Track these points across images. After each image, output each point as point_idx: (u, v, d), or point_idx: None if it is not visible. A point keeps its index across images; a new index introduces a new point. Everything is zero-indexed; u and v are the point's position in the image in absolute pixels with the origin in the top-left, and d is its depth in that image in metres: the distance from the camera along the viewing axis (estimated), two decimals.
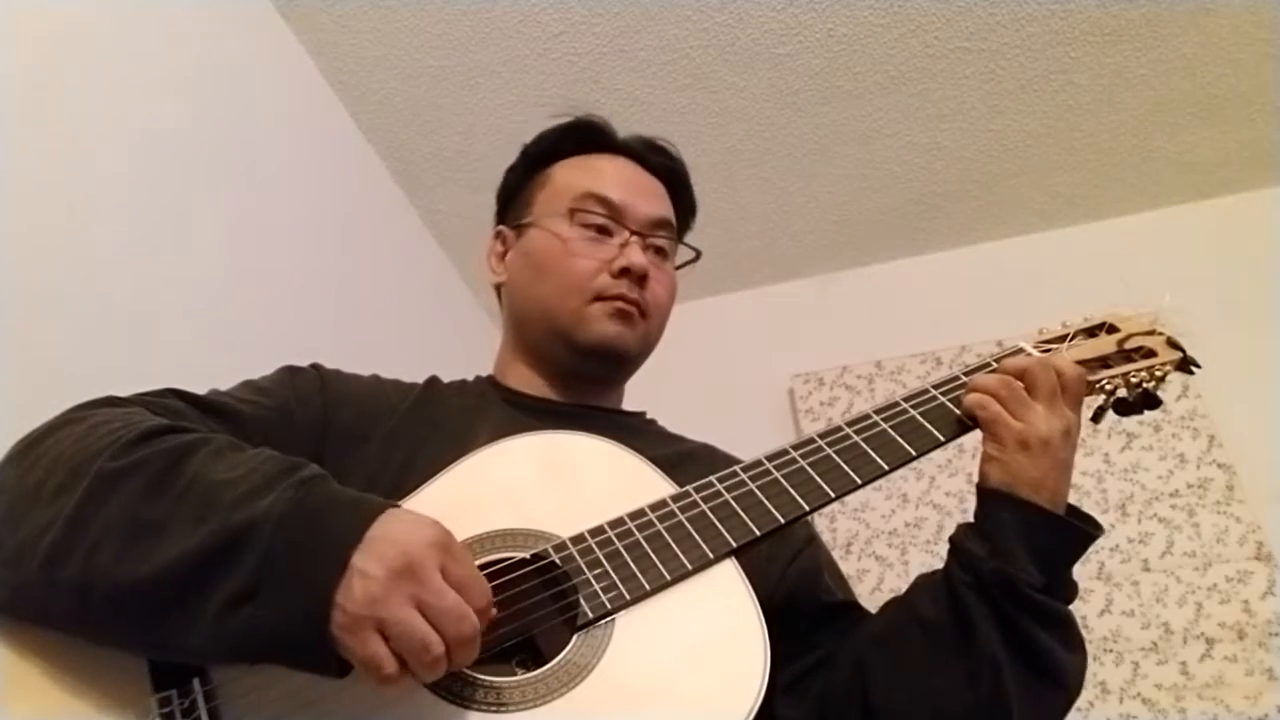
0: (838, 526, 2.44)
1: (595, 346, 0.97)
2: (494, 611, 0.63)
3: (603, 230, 1.00)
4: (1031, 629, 0.74)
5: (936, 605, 0.78)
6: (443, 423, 0.92)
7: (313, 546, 0.58)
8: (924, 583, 0.82)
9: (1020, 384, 0.80)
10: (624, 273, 0.97)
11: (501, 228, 1.10)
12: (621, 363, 1.01)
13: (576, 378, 1.01)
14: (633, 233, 0.99)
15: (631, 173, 1.05)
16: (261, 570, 0.57)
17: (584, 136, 1.07)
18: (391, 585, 0.56)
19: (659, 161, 1.08)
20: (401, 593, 0.56)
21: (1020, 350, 0.88)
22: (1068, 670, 0.76)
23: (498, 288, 1.09)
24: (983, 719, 0.74)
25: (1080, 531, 0.78)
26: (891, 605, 0.85)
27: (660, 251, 1.03)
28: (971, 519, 0.81)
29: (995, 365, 0.85)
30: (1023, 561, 0.75)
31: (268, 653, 0.58)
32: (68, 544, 0.60)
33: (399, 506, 0.63)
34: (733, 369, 2.74)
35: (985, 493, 0.79)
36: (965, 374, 0.86)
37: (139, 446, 0.64)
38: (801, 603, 0.90)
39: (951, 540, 0.80)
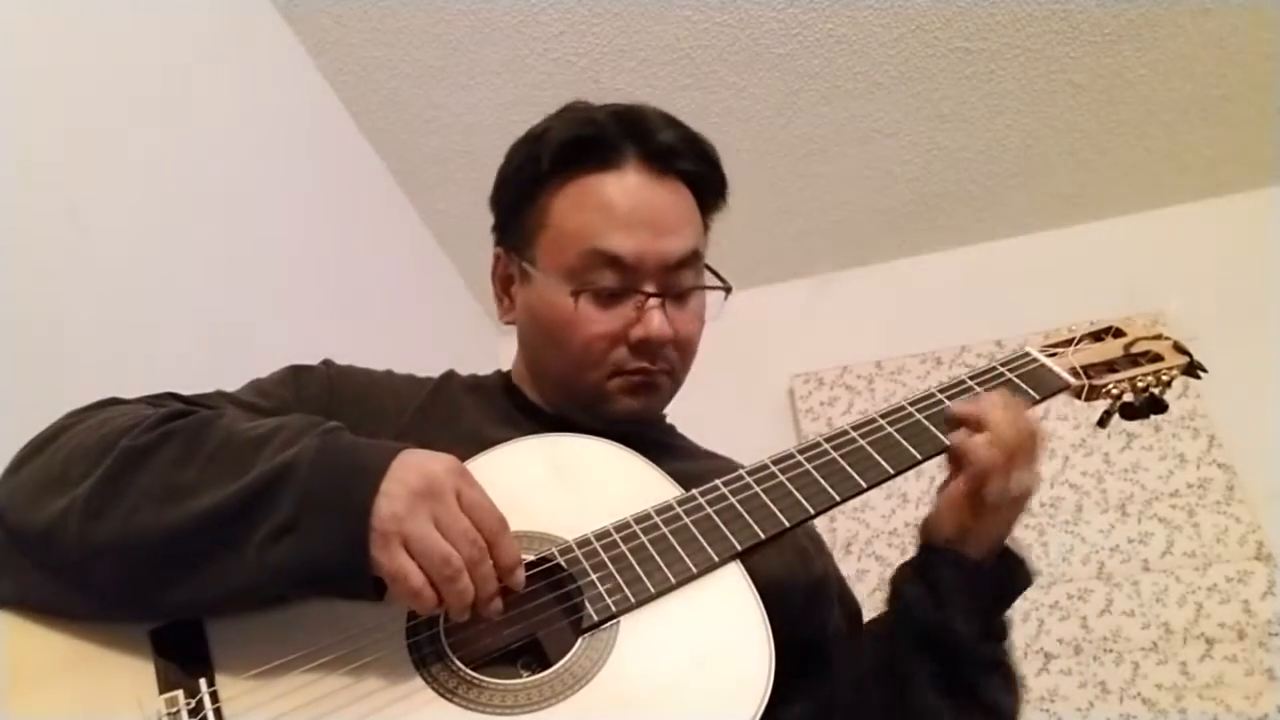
0: (837, 526, 2.44)
1: (619, 420, 0.88)
2: (510, 539, 0.65)
3: (614, 293, 0.85)
4: (972, 676, 0.77)
5: (878, 652, 0.81)
6: (453, 423, 0.90)
7: (345, 479, 0.62)
8: (871, 627, 0.87)
9: (1007, 447, 0.75)
10: (643, 342, 0.85)
11: (501, 251, 0.96)
12: (649, 423, 0.94)
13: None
14: (648, 295, 0.85)
15: (644, 197, 0.87)
16: (301, 504, 0.61)
17: (584, 153, 0.90)
18: (413, 503, 0.62)
19: (679, 167, 0.92)
20: (422, 511, 0.62)
21: (1027, 356, 0.87)
22: (1007, 710, 0.79)
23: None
24: None
25: (1017, 578, 0.81)
26: (861, 642, 0.88)
27: (683, 292, 0.90)
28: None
29: (987, 387, 0.84)
30: (963, 611, 0.77)
31: (309, 580, 0.63)
32: (103, 508, 0.63)
33: (415, 448, 0.66)
34: (732, 369, 2.73)
35: (930, 548, 0.80)
36: (973, 379, 0.86)
37: (159, 426, 0.67)
38: (822, 639, 0.90)
39: (892, 583, 0.82)
